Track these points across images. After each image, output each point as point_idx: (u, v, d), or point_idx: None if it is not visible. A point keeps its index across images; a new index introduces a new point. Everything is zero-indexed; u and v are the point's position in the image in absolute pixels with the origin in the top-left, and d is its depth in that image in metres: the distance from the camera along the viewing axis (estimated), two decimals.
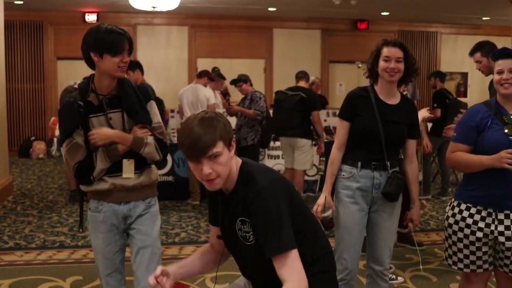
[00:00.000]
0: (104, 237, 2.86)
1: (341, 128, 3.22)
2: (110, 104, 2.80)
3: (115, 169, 2.81)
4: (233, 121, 6.88)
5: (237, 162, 2.12)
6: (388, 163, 3.16)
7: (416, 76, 3.30)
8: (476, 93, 13.08)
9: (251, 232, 2.04)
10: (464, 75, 13.79)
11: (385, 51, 3.12)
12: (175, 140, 7.72)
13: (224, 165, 2.00)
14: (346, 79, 12.80)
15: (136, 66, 6.70)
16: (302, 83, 6.95)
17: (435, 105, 7.52)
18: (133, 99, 2.82)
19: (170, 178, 7.64)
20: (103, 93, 2.79)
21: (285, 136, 6.83)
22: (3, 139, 7.61)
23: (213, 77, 7.77)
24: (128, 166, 2.82)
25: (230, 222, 2.13)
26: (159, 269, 2.08)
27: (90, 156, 2.78)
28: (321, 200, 3.21)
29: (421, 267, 4.72)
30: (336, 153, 3.23)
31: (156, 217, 2.98)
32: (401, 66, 3.11)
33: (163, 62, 12.10)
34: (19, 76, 10.18)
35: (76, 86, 2.80)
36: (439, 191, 7.97)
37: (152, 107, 2.92)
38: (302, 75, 7.00)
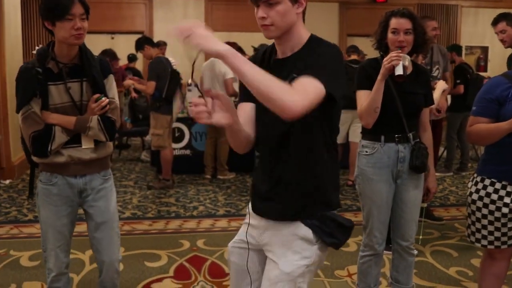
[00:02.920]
0: (57, 210, 2.80)
1: (363, 97, 3.08)
2: (70, 73, 2.73)
3: (71, 140, 2.75)
4: None
5: (306, 31, 2.05)
6: (410, 134, 3.10)
7: (428, 47, 3.20)
8: (497, 67, 12.82)
9: None
10: (485, 49, 13.54)
11: (393, 22, 3.04)
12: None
13: (281, 15, 1.92)
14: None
15: (143, 42, 6.81)
16: (355, 57, 7.09)
17: (457, 81, 7.35)
18: (96, 69, 2.76)
19: (188, 151, 7.63)
20: (63, 61, 2.72)
21: (351, 108, 6.79)
22: None
23: None
24: (87, 137, 2.78)
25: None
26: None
27: (49, 127, 2.70)
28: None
29: (420, 238, 4.68)
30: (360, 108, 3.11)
31: (112, 191, 2.94)
32: (410, 38, 3.02)
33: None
34: None
35: (34, 52, 2.73)
36: (458, 166, 7.90)
37: (110, 81, 2.86)
38: (353, 49, 7.24)
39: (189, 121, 7.54)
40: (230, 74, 7.08)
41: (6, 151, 7.20)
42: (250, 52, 7.42)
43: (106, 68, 2.86)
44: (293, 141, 2.01)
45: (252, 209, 2.21)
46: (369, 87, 3.01)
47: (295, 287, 2.04)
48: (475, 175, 2.96)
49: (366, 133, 3.17)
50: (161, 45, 8.12)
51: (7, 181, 7.06)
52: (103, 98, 2.77)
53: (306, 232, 2.05)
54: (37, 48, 2.77)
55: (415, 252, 3.31)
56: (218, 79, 7.12)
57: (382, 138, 3.10)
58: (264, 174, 2.13)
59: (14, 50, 7.47)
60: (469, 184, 2.98)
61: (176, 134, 7.55)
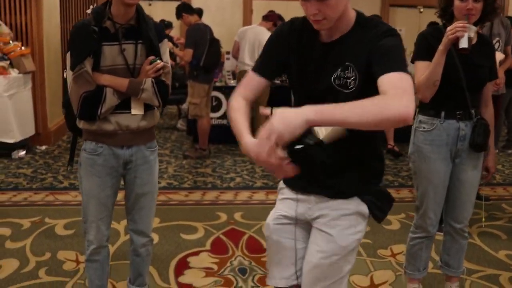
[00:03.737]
0: (101, 181, 2.68)
1: (422, 68, 2.83)
2: (126, 35, 2.60)
3: (120, 105, 2.61)
4: None
5: (351, 10, 1.91)
6: (473, 111, 2.87)
7: (496, 15, 2.94)
8: None
9: (353, 78, 1.84)
10: None
11: None
12: (230, 82, 7.53)
13: (333, 8, 1.79)
14: (407, 24, 12.19)
15: (181, 10, 6.76)
16: None
17: None
18: (152, 32, 2.64)
19: (225, 121, 7.47)
20: (119, 21, 2.59)
21: None
22: (59, 80, 7.54)
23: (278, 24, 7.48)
24: (137, 101, 2.64)
25: (324, 71, 1.91)
26: None
27: (100, 88, 2.56)
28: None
29: (483, 223, 4.47)
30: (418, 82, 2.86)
31: (156, 163, 2.83)
32: (479, 5, 2.76)
33: (217, 4, 11.77)
34: (73, 16, 10.07)
35: (89, 11, 2.60)
36: (504, 144, 7.61)
37: (165, 46, 2.73)
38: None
39: (226, 90, 7.38)
40: None
41: (43, 116, 7.16)
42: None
43: (161, 32, 2.75)
44: None
45: (298, 189, 2.08)
46: (429, 58, 2.78)
47: (346, 262, 2.01)
48: None
49: (425, 108, 2.94)
50: (199, 12, 7.95)
51: (43, 147, 7.02)
52: (158, 61, 2.65)
53: (363, 207, 2.01)
54: (92, 7, 2.64)
55: (468, 235, 3.13)
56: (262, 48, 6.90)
57: (443, 114, 2.87)
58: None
59: (51, 15, 7.38)
60: None
61: (214, 103, 7.39)
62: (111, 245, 3.87)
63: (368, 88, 1.72)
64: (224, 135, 7.34)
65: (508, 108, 7.28)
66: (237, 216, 4.64)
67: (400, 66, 1.70)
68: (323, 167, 1.71)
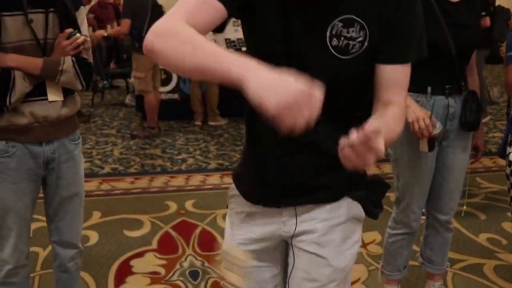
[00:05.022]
0: (16, 188, 2.12)
1: None
2: (32, 1, 2.03)
3: (33, 91, 2.07)
4: None
5: None
6: (463, 83, 2.40)
7: None
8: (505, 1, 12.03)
9: (360, 39, 1.32)
10: None
11: None
12: None
13: None
14: None
15: None
16: None
17: (483, 13, 6.50)
18: None
19: (176, 95, 6.95)
20: None
21: None
22: None
23: None
24: (54, 85, 2.11)
25: (315, 25, 1.33)
26: None
27: (7, 72, 2.00)
28: (424, 113, 2.27)
29: (466, 200, 4.09)
30: None
31: (81, 159, 2.31)
32: None
33: None
34: None
35: None
36: None
37: (82, 15, 2.20)
38: None
39: None
40: None
41: None
42: None
43: None
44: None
45: (265, 203, 1.53)
46: None
47: (346, 282, 1.56)
48: (509, 136, 2.37)
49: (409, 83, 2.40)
50: None
51: None
52: (78, 35, 2.11)
53: (356, 209, 1.52)
54: None
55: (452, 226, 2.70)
56: None
57: (429, 89, 2.36)
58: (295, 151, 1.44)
59: None
60: (508, 150, 2.35)
61: (163, 77, 6.80)
62: (42, 250, 3.33)
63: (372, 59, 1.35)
64: (175, 111, 6.86)
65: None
66: (188, 205, 4.14)
67: (411, 51, 1.39)
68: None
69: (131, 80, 7.86)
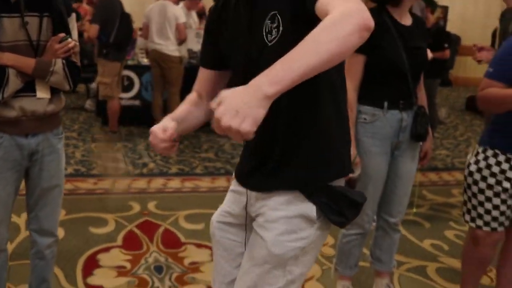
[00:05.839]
0: (2, 177, 2.29)
1: (356, 63, 2.55)
2: (29, 5, 2.22)
3: (22, 88, 2.25)
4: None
5: None
6: (415, 98, 2.67)
7: None
8: (456, 29, 12.58)
9: (276, 24, 1.52)
10: (445, 9, 13.24)
11: None
12: (143, 61, 7.11)
13: None
14: None
15: None
16: None
17: (445, 45, 6.37)
18: (61, 3, 2.29)
19: (137, 102, 7.07)
20: None
21: None
22: None
23: None
24: (43, 83, 2.29)
25: (255, 25, 1.57)
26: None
27: (2, 69, 2.18)
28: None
29: (413, 212, 4.39)
30: (354, 95, 2.59)
31: (63, 152, 2.49)
32: None
33: None
34: None
35: None
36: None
37: (73, 21, 2.40)
38: None
39: (139, 68, 6.95)
40: (182, 19, 6.46)
41: None
42: None
43: (69, 5, 2.38)
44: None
45: (240, 178, 1.79)
46: (367, 51, 2.49)
47: (284, 272, 1.64)
48: (477, 145, 2.61)
49: (367, 98, 2.64)
50: None
51: None
52: (69, 39, 2.29)
53: (309, 209, 1.61)
54: None
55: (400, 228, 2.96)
56: (170, 23, 6.44)
57: (385, 104, 2.62)
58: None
59: None
60: (468, 156, 2.63)
61: (125, 83, 6.93)
62: (10, 242, 3.44)
63: (290, 41, 1.33)
64: (136, 117, 6.98)
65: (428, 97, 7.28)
66: (151, 206, 4.30)
67: None
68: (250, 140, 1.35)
69: (93, 85, 7.95)
